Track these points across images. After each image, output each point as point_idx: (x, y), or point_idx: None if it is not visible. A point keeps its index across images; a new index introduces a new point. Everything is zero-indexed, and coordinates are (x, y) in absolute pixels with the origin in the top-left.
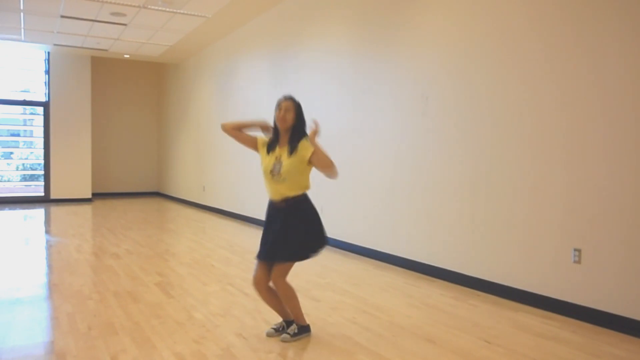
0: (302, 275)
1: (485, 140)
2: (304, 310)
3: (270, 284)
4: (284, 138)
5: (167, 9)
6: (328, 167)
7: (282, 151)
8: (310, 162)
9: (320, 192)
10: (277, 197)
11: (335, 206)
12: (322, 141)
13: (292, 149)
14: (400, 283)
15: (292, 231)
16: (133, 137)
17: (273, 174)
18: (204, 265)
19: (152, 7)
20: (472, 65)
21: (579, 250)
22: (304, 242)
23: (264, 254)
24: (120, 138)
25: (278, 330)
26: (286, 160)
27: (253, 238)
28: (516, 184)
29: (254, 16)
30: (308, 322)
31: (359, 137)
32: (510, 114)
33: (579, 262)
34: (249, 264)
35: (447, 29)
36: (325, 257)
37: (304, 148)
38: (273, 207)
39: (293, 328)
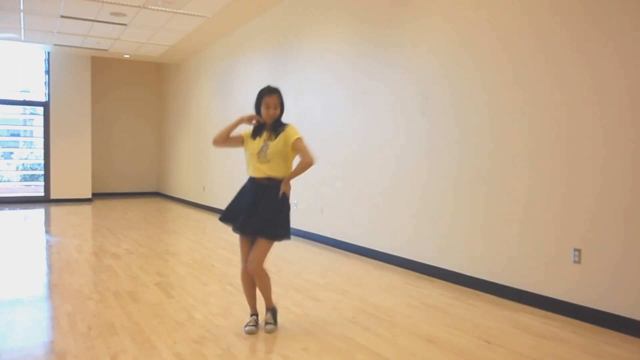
0: (302, 275)
1: (485, 140)
2: (303, 311)
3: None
4: (268, 125)
5: (167, 9)
6: (305, 156)
7: (268, 135)
8: (292, 148)
9: (320, 192)
10: (260, 175)
11: (335, 206)
12: (322, 141)
13: (277, 133)
14: (400, 283)
15: (272, 209)
16: (133, 137)
17: (260, 155)
18: (204, 265)
19: (152, 7)
20: (471, 65)
21: (579, 250)
22: (278, 223)
23: (243, 227)
24: (120, 138)
25: (257, 325)
26: (272, 142)
27: None
28: (516, 183)
29: (254, 16)
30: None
31: (359, 136)
32: (510, 113)
33: (579, 262)
34: None
35: (447, 28)
36: (325, 257)
37: (289, 133)
38: (252, 182)
39: (269, 316)
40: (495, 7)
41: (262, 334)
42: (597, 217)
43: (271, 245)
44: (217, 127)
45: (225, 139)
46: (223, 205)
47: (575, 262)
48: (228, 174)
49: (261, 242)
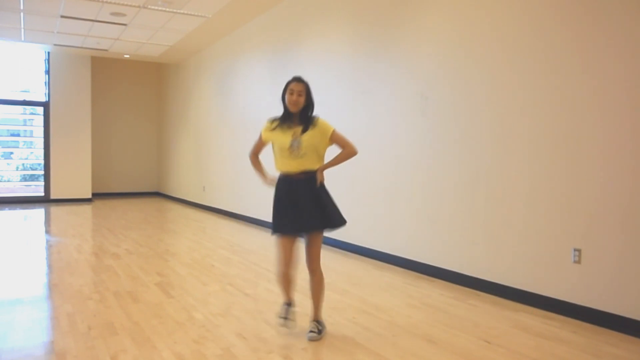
0: (302, 275)
1: (485, 140)
2: (303, 311)
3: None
4: (296, 118)
5: (167, 9)
6: (348, 145)
7: (297, 129)
8: (332, 140)
9: None
10: (295, 170)
11: None
12: None
13: (307, 126)
14: (400, 283)
15: (319, 201)
16: (133, 137)
17: (292, 149)
18: (204, 265)
19: (152, 7)
20: (471, 65)
21: (579, 250)
22: (332, 211)
23: (289, 227)
24: (120, 138)
25: (290, 316)
26: (305, 137)
27: (253, 238)
28: (516, 183)
29: (254, 16)
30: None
31: (359, 137)
32: (510, 113)
33: (579, 262)
34: (249, 264)
35: (447, 29)
36: (325, 257)
37: (325, 126)
38: (289, 181)
39: (316, 325)
40: (495, 7)
41: (261, 334)
42: (597, 217)
43: (322, 238)
44: (217, 127)
45: (257, 163)
46: (223, 205)
47: (575, 262)
48: (228, 174)
49: (315, 236)
